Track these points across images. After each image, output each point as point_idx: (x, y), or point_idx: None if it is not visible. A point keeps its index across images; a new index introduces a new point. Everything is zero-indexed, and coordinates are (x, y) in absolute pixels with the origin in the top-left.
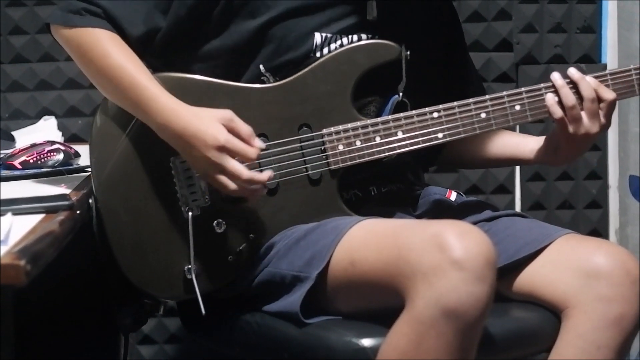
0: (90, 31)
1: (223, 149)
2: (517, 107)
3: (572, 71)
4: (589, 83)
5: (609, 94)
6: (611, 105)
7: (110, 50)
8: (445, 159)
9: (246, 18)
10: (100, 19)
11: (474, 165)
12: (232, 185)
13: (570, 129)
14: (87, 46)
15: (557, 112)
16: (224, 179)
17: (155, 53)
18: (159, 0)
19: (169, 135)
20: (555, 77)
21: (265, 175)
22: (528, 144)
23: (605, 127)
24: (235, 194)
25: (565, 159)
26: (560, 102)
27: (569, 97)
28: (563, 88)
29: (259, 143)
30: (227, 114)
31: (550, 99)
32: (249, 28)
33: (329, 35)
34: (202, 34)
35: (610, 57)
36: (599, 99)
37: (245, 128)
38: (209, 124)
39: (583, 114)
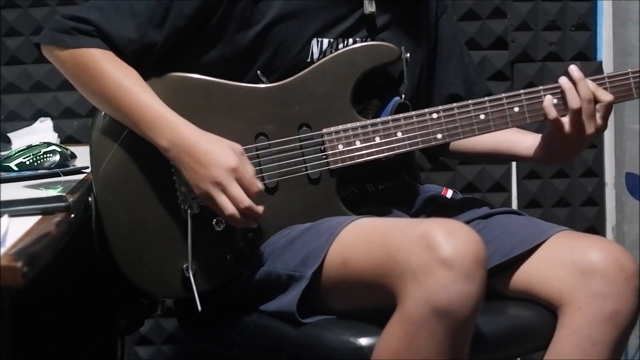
0: (84, 51)
1: (235, 171)
2: (516, 109)
3: (573, 69)
4: (587, 84)
5: (606, 96)
6: (608, 108)
7: (107, 69)
8: (450, 151)
9: (243, 26)
10: (93, 38)
11: (472, 159)
12: (230, 209)
13: (566, 129)
14: (82, 67)
15: (552, 113)
16: (224, 200)
17: (152, 66)
18: (152, 14)
19: (177, 151)
20: (563, 80)
21: (261, 209)
22: (525, 141)
23: (601, 129)
24: (229, 218)
25: (560, 158)
26: (560, 104)
27: (575, 100)
28: (570, 90)
29: (260, 184)
30: (238, 145)
31: (548, 99)
32: (246, 36)
33: (325, 40)
34: (200, 44)
35: (606, 54)
36: (596, 101)
37: (251, 166)
38: (222, 147)
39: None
